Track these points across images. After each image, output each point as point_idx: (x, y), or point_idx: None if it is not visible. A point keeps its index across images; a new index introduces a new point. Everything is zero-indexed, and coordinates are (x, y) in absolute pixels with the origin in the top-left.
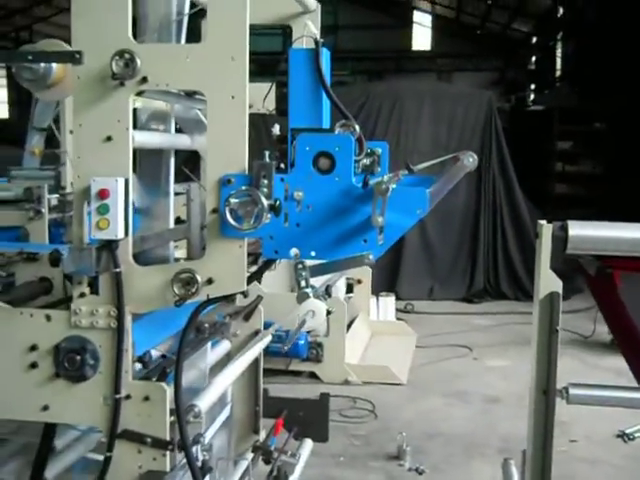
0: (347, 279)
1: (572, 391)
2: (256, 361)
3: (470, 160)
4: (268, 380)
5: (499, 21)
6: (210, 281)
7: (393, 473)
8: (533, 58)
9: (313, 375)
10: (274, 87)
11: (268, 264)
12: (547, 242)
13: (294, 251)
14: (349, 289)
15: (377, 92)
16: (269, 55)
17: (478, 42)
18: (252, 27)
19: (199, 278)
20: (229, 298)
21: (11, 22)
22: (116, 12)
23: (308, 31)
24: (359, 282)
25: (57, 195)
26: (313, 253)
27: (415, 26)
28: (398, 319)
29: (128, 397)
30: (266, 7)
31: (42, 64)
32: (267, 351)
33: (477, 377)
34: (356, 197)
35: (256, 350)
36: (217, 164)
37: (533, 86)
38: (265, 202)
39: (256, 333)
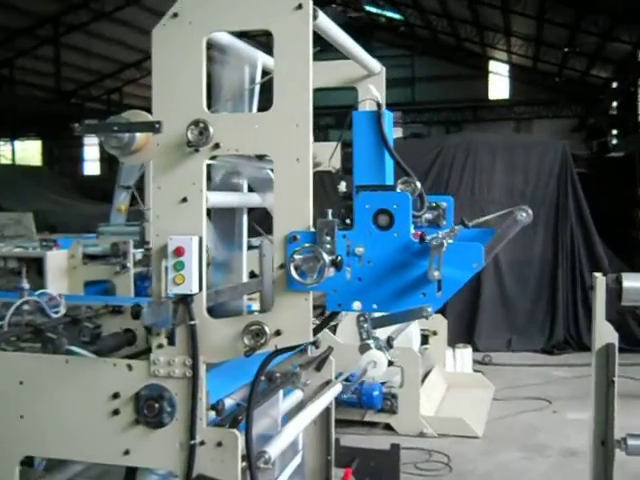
0: (422, 330)
1: (631, 442)
2: (327, 411)
3: (523, 215)
4: (344, 431)
5: (577, 68)
6: (278, 332)
7: None
8: (614, 103)
9: (388, 427)
10: (339, 147)
11: (332, 316)
12: (602, 294)
13: (356, 304)
14: (425, 340)
15: (450, 144)
16: (345, 108)
17: (557, 89)
18: None
19: (267, 330)
20: (301, 349)
21: (103, 85)
22: (192, 86)
23: (371, 94)
24: (434, 334)
25: (142, 250)
26: (375, 306)
27: (492, 75)
28: (475, 371)
29: (202, 443)
30: (333, 71)
31: (127, 133)
32: (342, 401)
33: (556, 430)
34: (414, 252)
35: (326, 399)
36: (284, 222)
37: (615, 132)
38: (327, 258)
39: (327, 383)
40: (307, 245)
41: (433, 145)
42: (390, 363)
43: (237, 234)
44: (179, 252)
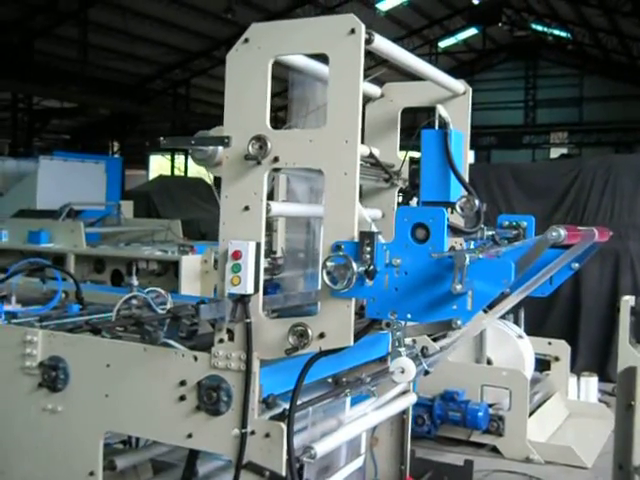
0: (543, 356)
1: None
2: (403, 421)
3: (554, 234)
4: (449, 449)
5: None
6: (322, 335)
7: None
8: None
9: (496, 449)
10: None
11: (373, 323)
12: (626, 317)
13: (392, 313)
14: (546, 366)
15: (589, 166)
16: (511, 128)
17: None
18: (493, 102)
19: (310, 332)
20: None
21: (272, 104)
22: (257, 103)
23: (440, 114)
24: (556, 359)
25: (269, 259)
26: (409, 315)
27: None
28: (601, 401)
29: (253, 433)
30: (421, 92)
31: (210, 146)
32: (447, 419)
33: None
34: (447, 266)
35: (394, 409)
36: (331, 232)
37: None
38: (355, 267)
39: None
40: (341, 253)
41: (571, 167)
42: (426, 372)
43: (313, 243)
44: (236, 255)
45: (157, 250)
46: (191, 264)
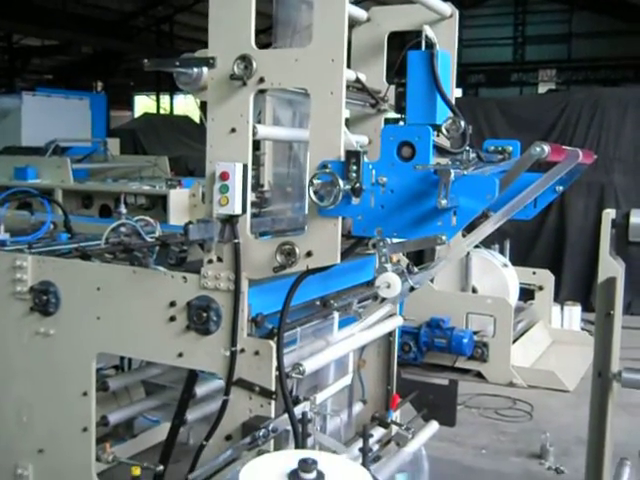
0: (528, 285)
1: (625, 375)
2: (390, 343)
3: (537, 150)
4: (436, 375)
5: None
6: (309, 254)
7: (531, 469)
8: None
9: (480, 375)
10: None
11: (359, 241)
12: (607, 229)
13: (378, 230)
14: (530, 296)
15: (577, 99)
16: (499, 65)
17: None
18: (481, 39)
19: (298, 250)
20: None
21: (258, 41)
22: (242, 23)
23: (427, 35)
24: (540, 289)
25: (256, 193)
26: (395, 232)
27: None
28: (584, 330)
29: (242, 351)
30: (407, 15)
31: (195, 69)
32: (433, 346)
33: None
34: (432, 183)
35: (380, 330)
36: (317, 151)
37: None
38: (342, 184)
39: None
40: (327, 171)
41: (558, 100)
42: (412, 289)
43: (300, 176)
44: (224, 177)
45: (145, 185)
46: (179, 197)
